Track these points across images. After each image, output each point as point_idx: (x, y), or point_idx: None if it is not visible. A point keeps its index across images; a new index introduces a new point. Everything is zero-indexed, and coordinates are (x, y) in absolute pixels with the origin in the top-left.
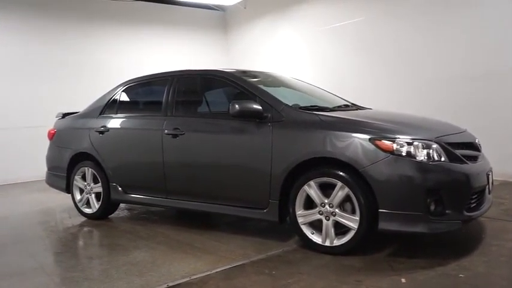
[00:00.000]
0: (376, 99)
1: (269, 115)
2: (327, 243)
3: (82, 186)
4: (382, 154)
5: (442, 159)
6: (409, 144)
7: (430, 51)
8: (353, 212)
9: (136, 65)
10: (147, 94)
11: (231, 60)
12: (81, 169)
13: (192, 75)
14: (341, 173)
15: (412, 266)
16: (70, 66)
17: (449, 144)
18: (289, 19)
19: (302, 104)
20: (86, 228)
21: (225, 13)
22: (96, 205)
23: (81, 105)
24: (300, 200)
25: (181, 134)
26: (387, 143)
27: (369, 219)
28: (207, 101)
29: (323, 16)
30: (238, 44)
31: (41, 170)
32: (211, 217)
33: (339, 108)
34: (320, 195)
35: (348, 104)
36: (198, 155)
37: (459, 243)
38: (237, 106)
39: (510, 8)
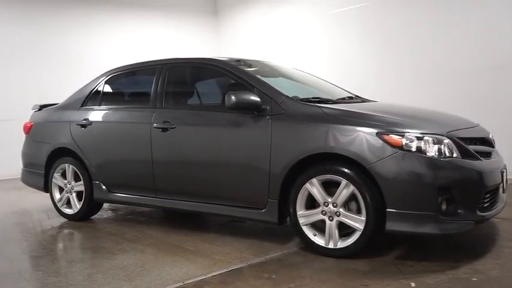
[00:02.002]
0: (381, 89)
1: (268, 107)
2: (331, 245)
3: (62, 185)
4: (390, 149)
5: (454, 155)
6: (419, 139)
7: (440, 40)
8: (358, 212)
9: (115, 52)
10: (134, 84)
11: (222, 48)
12: (61, 166)
13: (183, 64)
14: (346, 170)
15: (421, 269)
16: (40, 52)
17: (462, 139)
18: (287, 3)
19: (302, 96)
20: (66, 230)
21: None
22: (77, 205)
23: (54, 96)
24: (301, 199)
25: (171, 128)
26: (396, 137)
27: (376, 220)
28: (199, 92)
29: (325, 0)
30: (230, 29)
31: (12, 167)
32: (203, 218)
33: (342, 100)
34: (323, 193)
35: (352, 96)
36: (191, 151)
37: (471, 245)
38: (233, 97)
39: None
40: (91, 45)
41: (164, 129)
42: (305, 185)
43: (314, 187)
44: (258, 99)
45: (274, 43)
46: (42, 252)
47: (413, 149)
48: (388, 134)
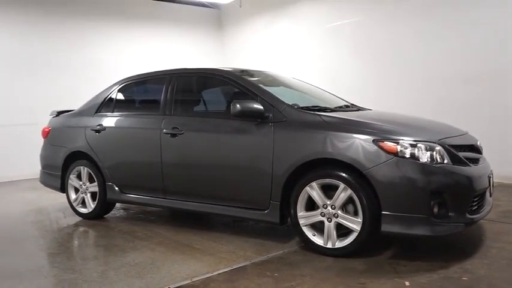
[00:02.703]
0: (374, 99)
1: (270, 115)
2: (329, 245)
3: (77, 186)
4: (385, 156)
5: (445, 161)
6: (412, 146)
7: (428, 52)
8: (355, 214)
9: (127, 62)
10: (145, 92)
11: (226, 59)
12: (77, 168)
13: (191, 73)
14: (344, 175)
15: (414, 269)
16: (59, 62)
17: (452, 146)
18: (285, 18)
19: (302, 104)
20: (81, 228)
21: (220, 11)
22: (91, 205)
23: (69, 103)
24: (301, 202)
25: (180, 134)
26: (391, 144)
27: (371, 221)
28: (206, 100)
29: (319, 15)
30: (234, 42)
31: (30, 168)
32: (208, 218)
33: (339, 108)
34: (322, 196)
35: (348, 104)
36: (198, 155)
37: (460, 245)
38: (238, 106)
39: (508, 9)
40: (105, 56)
41: (173, 135)
42: (305, 188)
43: (314, 190)
44: (261, 107)
45: (274, 54)
46: (59, 249)
47: (407, 156)
48: (383, 141)
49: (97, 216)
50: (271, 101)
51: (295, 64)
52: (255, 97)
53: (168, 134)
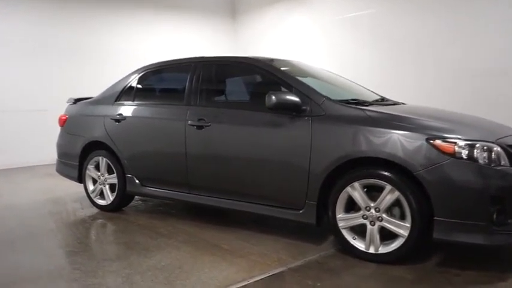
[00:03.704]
0: (391, 92)
1: (307, 108)
2: (371, 250)
3: (95, 177)
4: (441, 156)
5: (502, 163)
6: (470, 146)
7: (452, 44)
8: (402, 218)
9: (141, 50)
10: (167, 81)
11: (238, 49)
12: (95, 158)
13: (218, 62)
14: (391, 175)
15: (470, 280)
16: (76, 50)
17: (510, 146)
18: (302, 7)
19: (332, 97)
20: (99, 222)
21: None
22: (110, 197)
23: (86, 90)
24: (341, 202)
25: (207, 126)
26: (448, 144)
27: (421, 227)
28: (235, 91)
29: (338, 5)
30: (247, 30)
31: (46, 154)
32: (232, 214)
33: (376, 102)
34: (365, 198)
35: (382, 98)
36: (226, 149)
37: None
38: (273, 97)
39: None
40: (120, 44)
41: (199, 127)
42: (346, 188)
43: (356, 191)
44: (299, 99)
45: (288, 45)
46: (79, 247)
47: (465, 157)
48: (439, 140)
49: (116, 208)
50: (308, 93)
51: (309, 55)
52: (289, 88)
53: (193, 125)
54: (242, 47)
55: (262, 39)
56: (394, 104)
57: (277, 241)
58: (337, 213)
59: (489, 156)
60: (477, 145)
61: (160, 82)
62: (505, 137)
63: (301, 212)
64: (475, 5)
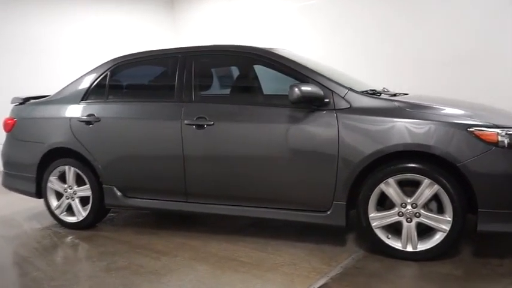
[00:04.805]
0: None
1: (330, 101)
2: (409, 249)
3: (60, 190)
4: (484, 146)
5: None
6: (509, 134)
7: (411, 32)
8: (439, 212)
9: (67, 41)
10: (149, 75)
11: (179, 36)
12: (59, 168)
13: (214, 52)
14: (429, 169)
15: None
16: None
17: None
18: None
19: None
20: (77, 243)
21: None
22: (82, 212)
23: (23, 87)
24: (372, 201)
25: (209, 125)
26: (490, 133)
27: (463, 220)
28: (239, 85)
29: None
30: (188, 16)
31: None
32: (219, 219)
33: (385, 92)
34: (401, 194)
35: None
36: (236, 150)
37: None
38: (297, 90)
39: None
40: (42, 34)
41: (199, 126)
42: (380, 186)
43: (390, 187)
44: (322, 92)
45: (235, 31)
46: (69, 282)
47: (507, 145)
48: (481, 130)
49: (89, 225)
50: (329, 85)
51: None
52: (306, 80)
53: (192, 125)
54: (182, 35)
55: (207, 29)
56: (405, 95)
57: (295, 247)
58: (369, 212)
59: None
60: None
61: (139, 76)
62: None
63: (328, 213)
64: None
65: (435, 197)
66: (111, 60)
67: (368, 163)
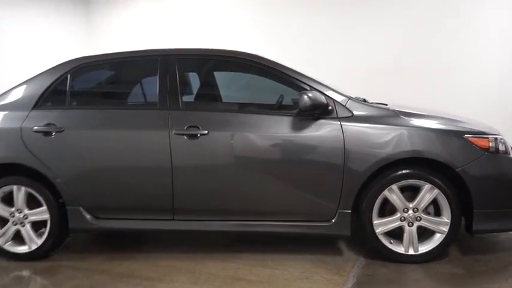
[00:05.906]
0: None
1: (333, 109)
2: (411, 252)
3: (5, 214)
4: (478, 151)
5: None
6: (496, 140)
7: (344, 45)
8: (436, 215)
9: None
10: (121, 80)
11: (92, 39)
12: (3, 189)
13: (201, 56)
14: (430, 175)
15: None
16: None
17: None
18: None
19: None
20: (37, 279)
21: None
22: (36, 240)
23: None
24: (376, 207)
25: (203, 134)
26: (483, 139)
27: (460, 222)
28: (232, 92)
29: None
30: (103, 18)
31: None
32: (199, 236)
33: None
34: (403, 199)
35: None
36: (234, 161)
37: None
38: (306, 98)
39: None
40: None
41: (192, 136)
42: (383, 192)
43: (394, 194)
44: (326, 101)
45: (158, 34)
46: None
47: (495, 150)
48: (475, 136)
49: (45, 254)
50: (329, 93)
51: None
52: (304, 88)
53: (182, 135)
54: (96, 37)
55: (123, 27)
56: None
57: (295, 259)
58: (373, 219)
59: (506, 147)
60: (499, 138)
61: (109, 81)
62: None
63: (332, 223)
64: (370, 5)
65: (433, 201)
66: (69, 61)
67: (374, 170)
